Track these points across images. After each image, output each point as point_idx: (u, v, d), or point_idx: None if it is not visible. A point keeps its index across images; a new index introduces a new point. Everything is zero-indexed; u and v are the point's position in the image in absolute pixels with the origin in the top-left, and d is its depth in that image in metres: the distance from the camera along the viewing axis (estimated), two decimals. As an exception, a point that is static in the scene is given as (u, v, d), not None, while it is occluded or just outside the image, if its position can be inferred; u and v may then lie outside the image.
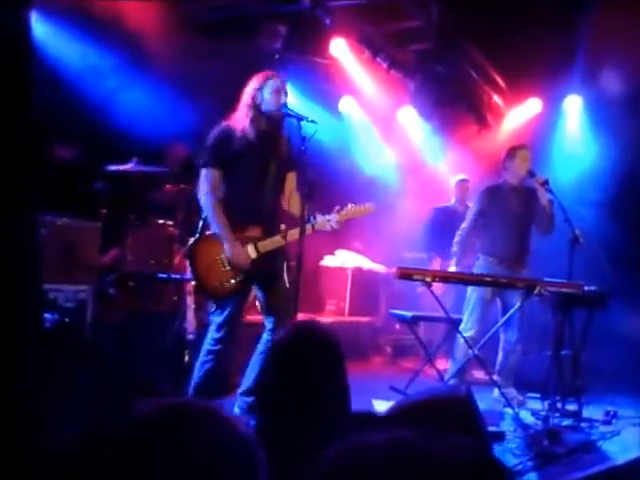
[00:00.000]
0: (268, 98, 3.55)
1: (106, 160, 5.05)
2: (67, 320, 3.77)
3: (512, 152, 4.95)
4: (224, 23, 6.21)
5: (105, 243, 4.79)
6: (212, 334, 3.52)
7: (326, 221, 3.62)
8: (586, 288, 4.44)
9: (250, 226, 3.56)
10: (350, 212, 3.69)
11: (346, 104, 7.61)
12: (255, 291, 3.70)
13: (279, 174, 3.67)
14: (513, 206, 4.95)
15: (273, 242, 3.60)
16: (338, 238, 6.96)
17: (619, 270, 6.06)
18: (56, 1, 4.98)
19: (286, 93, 3.62)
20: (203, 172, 3.56)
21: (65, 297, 4.28)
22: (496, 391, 4.86)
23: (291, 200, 3.74)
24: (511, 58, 6.60)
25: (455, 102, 7.28)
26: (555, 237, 4.93)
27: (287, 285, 3.66)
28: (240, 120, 3.57)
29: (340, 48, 6.53)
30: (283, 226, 3.60)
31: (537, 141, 7.20)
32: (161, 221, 5.16)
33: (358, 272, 6.98)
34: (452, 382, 4.70)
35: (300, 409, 1.76)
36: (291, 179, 3.76)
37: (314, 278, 7.00)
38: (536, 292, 4.27)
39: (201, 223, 3.67)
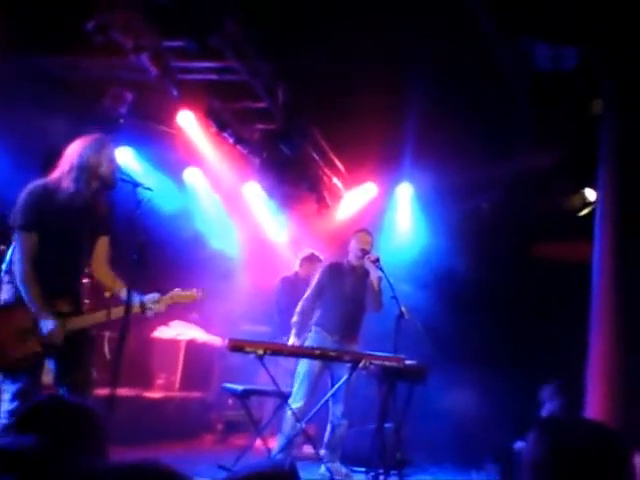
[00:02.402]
0: (102, 164, 3.41)
1: None
2: None
3: (354, 234, 5.31)
4: (73, 82, 6.09)
5: None
6: (5, 406, 3.20)
7: (153, 302, 3.51)
8: (407, 362, 4.68)
9: (59, 299, 3.34)
10: (176, 296, 3.64)
11: (191, 174, 7.64)
12: (47, 361, 3.40)
13: (91, 238, 3.52)
14: (348, 284, 5.20)
15: (91, 319, 3.44)
16: (174, 309, 6.80)
17: (441, 347, 6.49)
18: None
19: (115, 161, 3.51)
20: (17, 236, 3.30)
21: None
22: (323, 467, 4.89)
23: (99, 267, 3.59)
24: (349, 143, 7.06)
25: (297, 181, 7.59)
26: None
27: (108, 356, 3.48)
28: (59, 180, 3.37)
29: (187, 119, 6.60)
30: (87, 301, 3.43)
31: (372, 223, 7.69)
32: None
33: (192, 344, 6.80)
34: (279, 457, 4.65)
35: None
36: (102, 244, 3.59)
37: (144, 350, 6.70)
38: (361, 365, 4.44)
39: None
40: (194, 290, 3.71)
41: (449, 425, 5.97)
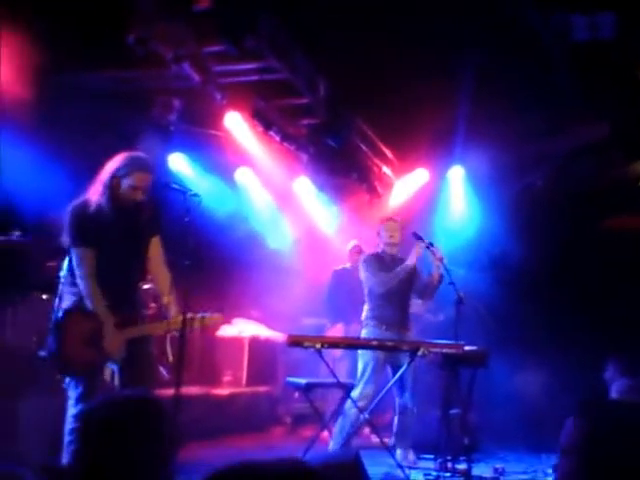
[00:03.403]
0: (125, 187, 3.42)
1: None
2: None
3: (382, 224, 5.28)
4: (120, 95, 6.28)
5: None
6: (71, 410, 3.36)
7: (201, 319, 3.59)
8: (467, 348, 4.65)
9: (118, 310, 3.44)
10: (204, 320, 3.64)
11: (242, 175, 7.77)
12: (111, 365, 3.54)
13: (141, 244, 3.59)
14: None
15: (150, 328, 3.58)
16: (236, 306, 6.96)
17: (503, 329, 6.39)
18: None
19: (145, 191, 3.47)
20: (76, 253, 3.40)
21: None
22: (397, 452, 4.93)
23: (156, 268, 3.66)
24: (398, 130, 7.01)
25: (346, 173, 7.59)
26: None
27: (170, 358, 3.60)
28: (96, 198, 3.43)
29: (234, 121, 6.70)
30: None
31: (425, 209, 7.64)
32: (45, 296, 4.98)
33: (255, 341, 6.94)
34: (344, 447, 4.71)
35: None
36: (154, 245, 3.65)
37: (210, 348, 6.91)
38: (420, 353, 4.43)
39: (60, 289, 3.52)
40: (214, 314, 3.71)
41: (517, 409, 5.88)
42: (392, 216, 5.51)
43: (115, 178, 3.40)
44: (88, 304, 3.37)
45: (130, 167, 3.44)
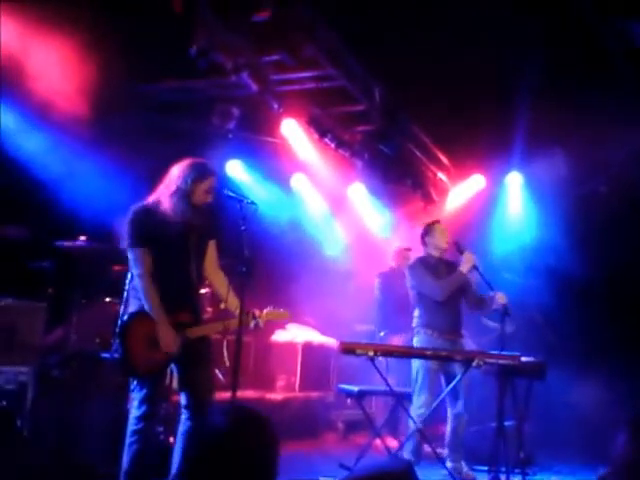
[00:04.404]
0: (200, 192, 3.55)
1: (55, 239, 5.10)
2: (4, 403, 3.70)
3: (429, 227, 5.24)
4: (179, 104, 6.45)
5: (50, 322, 4.76)
6: (134, 412, 3.47)
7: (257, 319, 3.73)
8: (524, 359, 4.56)
9: (180, 312, 3.54)
10: (270, 315, 3.82)
11: (297, 181, 7.85)
12: (172, 366, 3.64)
13: (200, 248, 3.67)
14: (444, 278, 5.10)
15: (209, 329, 3.67)
16: (289, 312, 7.03)
17: (560, 339, 6.25)
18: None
19: (214, 192, 3.62)
20: (133, 253, 3.51)
21: (5, 379, 4.22)
22: (448, 463, 4.89)
23: (212, 271, 3.76)
24: (454, 136, 6.95)
25: (401, 179, 7.57)
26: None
27: (227, 363, 3.69)
28: (163, 203, 3.53)
29: (291, 128, 6.79)
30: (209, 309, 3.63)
31: (481, 215, 7.54)
32: (108, 299, 5.17)
33: (308, 347, 7.00)
34: (401, 455, 4.69)
35: None
36: (211, 248, 3.75)
37: (264, 353, 7.01)
38: (474, 364, 4.37)
39: (125, 296, 3.66)
40: (281, 310, 3.89)
41: (573, 421, 5.73)
42: (438, 219, 5.48)
43: (190, 182, 3.52)
44: (144, 302, 3.47)
45: (204, 172, 3.57)
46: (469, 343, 5.53)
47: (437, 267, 5.14)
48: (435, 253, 5.18)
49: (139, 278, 3.48)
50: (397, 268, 6.52)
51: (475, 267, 4.94)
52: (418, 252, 5.53)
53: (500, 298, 4.82)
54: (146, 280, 3.46)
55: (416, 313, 5.15)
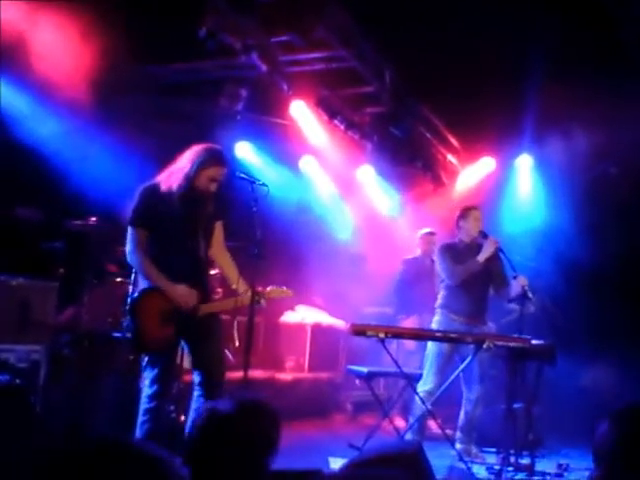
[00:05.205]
0: (203, 179, 3.53)
1: (66, 220, 5.12)
2: (17, 381, 3.73)
3: (465, 212, 5.18)
4: (187, 86, 6.43)
5: (62, 302, 4.80)
6: (146, 391, 3.49)
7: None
8: (534, 342, 4.56)
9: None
10: (273, 292, 3.82)
11: (306, 163, 7.82)
12: (183, 344, 3.65)
13: (207, 228, 3.68)
14: None
15: (221, 305, 3.69)
16: (299, 293, 7.05)
17: (570, 323, 6.24)
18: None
19: (219, 183, 3.60)
20: (129, 231, 3.54)
21: (18, 357, 4.26)
22: (458, 445, 4.92)
23: (219, 252, 3.77)
24: (464, 119, 6.89)
25: (411, 162, 7.53)
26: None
27: (237, 343, 3.71)
28: (169, 183, 3.53)
29: (300, 110, 6.76)
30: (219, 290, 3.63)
31: (491, 198, 7.50)
32: (119, 279, 5.19)
33: (317, 328, 7.02)
34: (409, 437, 4.72)
35: None
36: (217, 228, 3.76)
37: (273, 334, 7.04)
38: (485, 347, 4.37)
39: (133, 277, 3.66)
40: (284, 288, 3.88)
41: (583, 405, 5.73)
42: (476, 205, 5.40)
43: (195, 168, 3.50)
44: (143, 276, 3.50)
45: (211, 160, 3.54)
46: (492, 330, 5.50)
47: (464, 252, 5.11)
48: (466, 239, 5.15)
49: (130, 254, 3.53)
50: (423, 254, 6.50)
51: (500, 250, 4.92)
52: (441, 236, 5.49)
53: (521, 281, 4.81)
54: (137, 255, 3.49)
55: (440, 294, 5.19)
